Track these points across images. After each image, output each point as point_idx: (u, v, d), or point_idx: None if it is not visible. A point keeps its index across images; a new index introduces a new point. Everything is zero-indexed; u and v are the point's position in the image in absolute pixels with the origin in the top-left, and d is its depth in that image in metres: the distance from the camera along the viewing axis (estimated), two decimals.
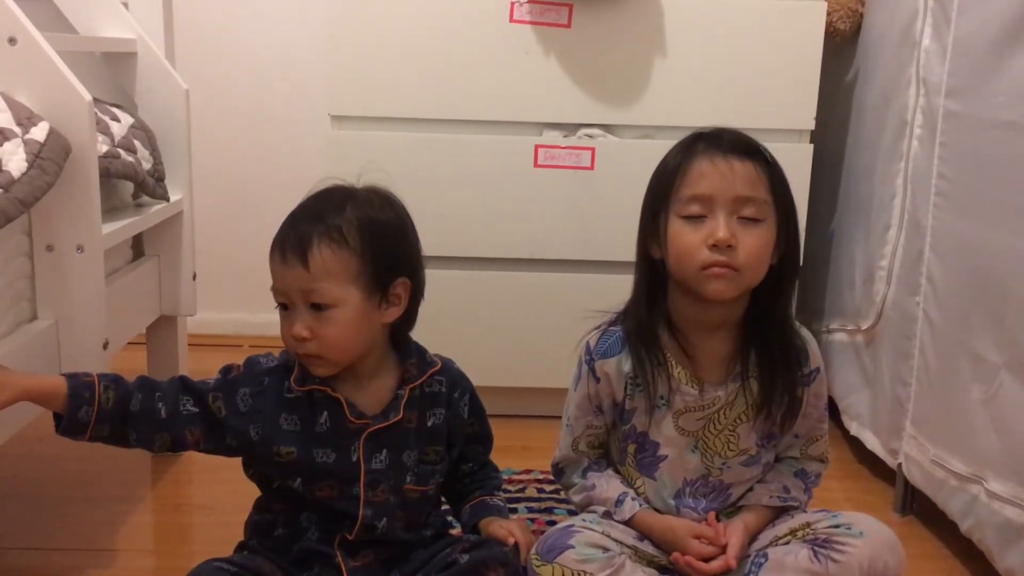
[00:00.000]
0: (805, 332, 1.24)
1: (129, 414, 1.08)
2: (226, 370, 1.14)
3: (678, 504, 1.22)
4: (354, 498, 1.12)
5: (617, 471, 1.26)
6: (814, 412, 1.24)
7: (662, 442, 1.21)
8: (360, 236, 1.08)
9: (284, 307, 1.10)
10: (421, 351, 1.19)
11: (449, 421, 1.18)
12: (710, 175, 1.13)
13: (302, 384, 1.12)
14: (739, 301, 1.18)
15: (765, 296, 1.18)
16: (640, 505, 1.21)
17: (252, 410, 1.11)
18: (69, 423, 1.07)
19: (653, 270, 1.20)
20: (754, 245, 1.12)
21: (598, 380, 1.22)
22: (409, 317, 1.15)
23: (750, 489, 1.24)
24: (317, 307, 1.07)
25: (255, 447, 1.12)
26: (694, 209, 1.13)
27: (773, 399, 1.19)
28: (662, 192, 1.16)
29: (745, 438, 1.21)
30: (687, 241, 1.13)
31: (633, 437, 1.23)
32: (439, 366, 1.19)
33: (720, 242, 1.11)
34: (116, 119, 1.57)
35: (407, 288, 1.13)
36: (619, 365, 1.20)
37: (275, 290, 1.10)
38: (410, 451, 1.15)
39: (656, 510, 1.22)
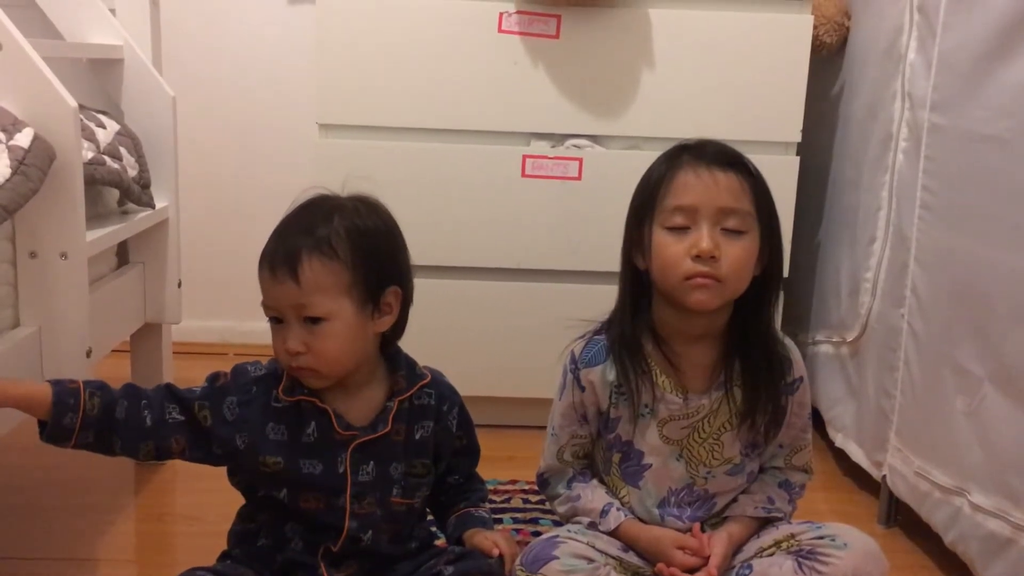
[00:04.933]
0: (788, 341, 1.24)
1: (114, 421, 1.07)
2: (213, 378, 1.13)
3: (662, 513, 1.22)
4: (340, 510, 1.11)
5: (602, 481, 1.26)
6: (798, 421, 1.25)
7: (647, 451, 1.22)
8: (349, 247, 1.07)
9: (276, 320, 1.09)
10: (411, 363, 1.18)
11: (437, 434, 1.18)
12: (694, 186, 1.13)
13: (290, 394, 1.11)
14: (722, 311, 1.18)
15: (748, 306, 1.19)
16: (625, 515, 1.21)
17: (239, 419, 1.10)
18: (54, 430, 1.05)
19: (637, 280, 1.20)
20: (737, 256, 1.13)
21: (583, 389, 1.22)
22: (399, 325, 1.15)
23: (734, 500, 1.24)
24: (310, 320, 1.06)
25: (241, 456, 1.11)
26: (678, 220, 1.14)
27: (757, 408, 1.19)
28: (646, 203, 1.17)
29: (729, 447, 1.22)
30: (671, 252, 1.14)
31: (618, 446, 1.23)
32: (428, 379, 1.18)
33: (703, 253, 1.11)
34: (102, 125, 1.57)
35: (398, 296, 1.12)
36: (604, 374, 1.21)
37: (266, 305, 1.09)
38: (397, 463, 1.14)
39: (640, 520, 1.22)
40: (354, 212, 1.11)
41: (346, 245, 1.07)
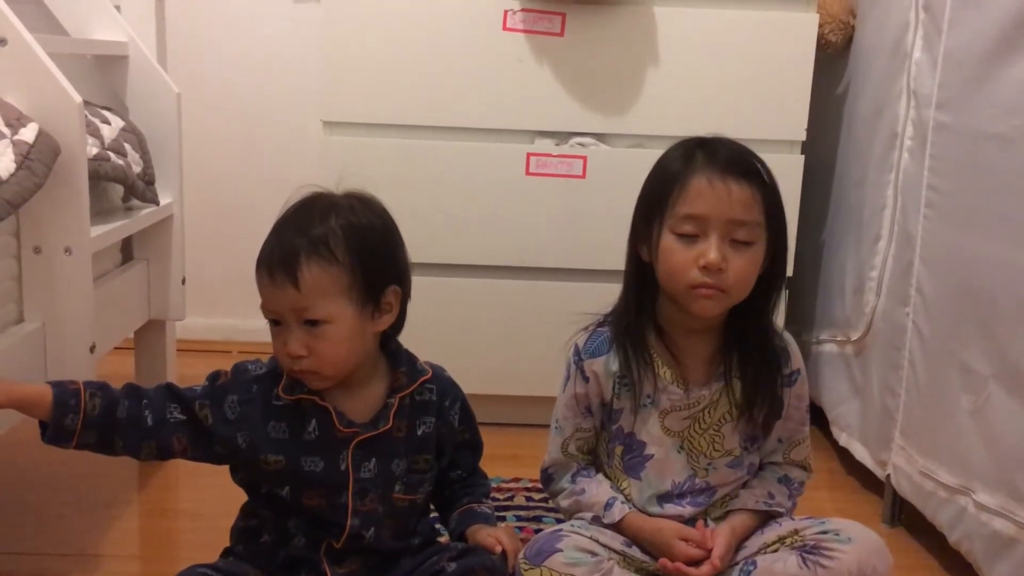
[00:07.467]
0: (786, 334, 1.25)
1: (116, 422, 1.07)
2: (214, 377, 1.13)
3: (663, 505, 1.22)
4: (342, 507, 1.10)
5: (606, 476, 1.26)
6: (796, 414, 1.25)
7: (649, 441, 1.22)
8: (348, 248, 1.06)
9: (275, 322, 1.08)
10: (412, 359, 1.18)
11: (439, 429, 1.17)
12: (707, 196, 1.13)
13: (290, 392, 1.11)
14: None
15: (751, 303, 1.19)
16: (630, 508, 1.21)
17: (240, 418, 1.10)
18: (55, 431, 1.05)
19: (642, 272, 1.20)
20: (744, 268, 1.13)
21: (587, 380, 1.22)
22: (399, 321, 1.14)
23: (735, 496, 1.24)
24: (310, 323, 1.06)
25: (242, 455, 1.11)
26: (687, 228, 1.13)
27: (755, 400, 1.20)
28: (657, 201, 1.16)
29: (730, 438, 1.22)
30: (678, 259, 1.14)
31: (620, 438, 1.23)
32: (430, 374, 1.17)
33: (711, 265, 1.11)
34: (106, 122, 1.57)
35: (398, 295, 1.12)
36: (607, 364, 1.21)
37: (265, 308, 1.08)
38: (399, 460, 1.14)
39: (642, 512, 1.22)
40: (350, 210, 1.09)
41: (344, 246, 1.06)
